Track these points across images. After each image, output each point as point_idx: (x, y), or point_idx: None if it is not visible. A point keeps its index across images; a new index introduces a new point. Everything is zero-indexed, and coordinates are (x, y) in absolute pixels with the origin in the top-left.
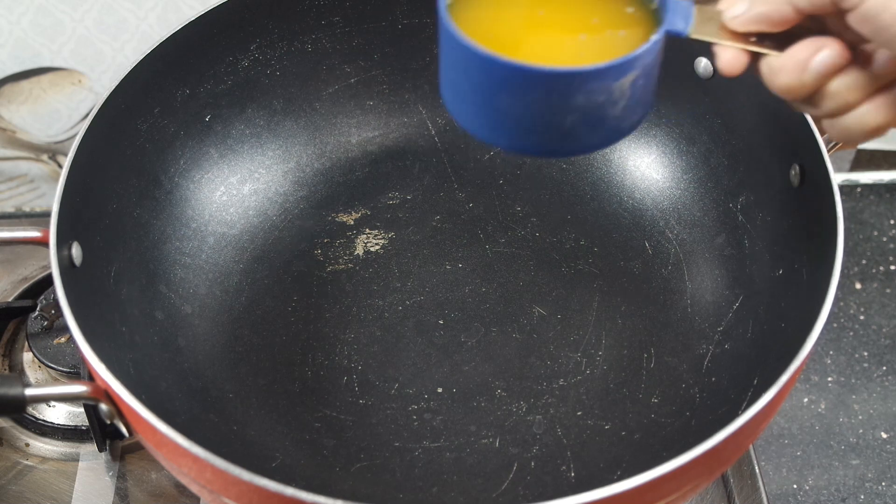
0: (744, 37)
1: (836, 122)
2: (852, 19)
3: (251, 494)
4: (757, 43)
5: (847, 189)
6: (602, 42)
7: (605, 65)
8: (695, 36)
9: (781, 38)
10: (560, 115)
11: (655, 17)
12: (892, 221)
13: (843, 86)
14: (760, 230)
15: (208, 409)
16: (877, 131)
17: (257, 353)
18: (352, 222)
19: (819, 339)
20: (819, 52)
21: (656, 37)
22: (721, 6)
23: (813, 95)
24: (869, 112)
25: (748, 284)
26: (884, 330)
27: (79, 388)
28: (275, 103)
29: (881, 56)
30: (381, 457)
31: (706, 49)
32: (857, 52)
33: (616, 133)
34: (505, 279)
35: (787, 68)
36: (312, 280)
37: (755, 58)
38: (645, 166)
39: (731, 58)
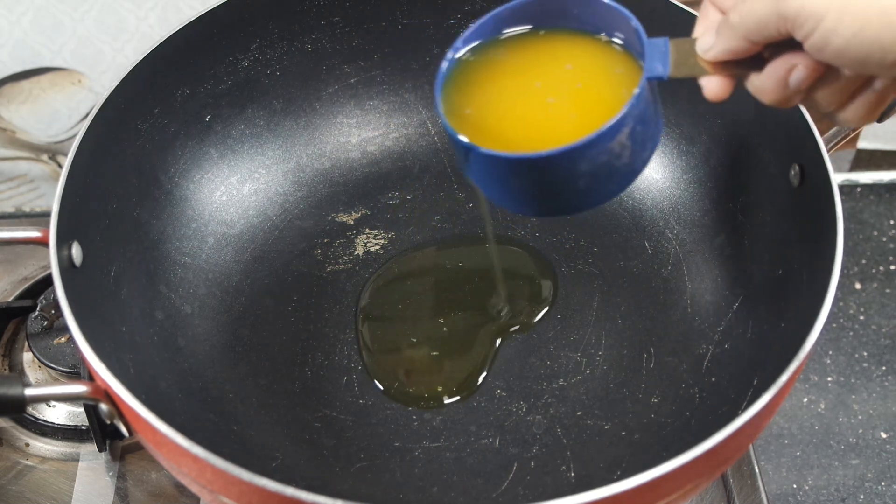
0: (720, 66)
1: (831, 117)
2: (807, 48)
3: (251, 494)
4: (734, 68)
5: (847, 189)
6: (598, 98)
7: (595, 135)
8: (675, 76)
9: (755, 60)
10: (572, 184)
11: (639, 60)
12: (891, 221)
13: (825, 94)
14: (760, 230)
15: (208, 409)
16: (865, 122)
17: (257, 353)
18: (352, 222)
19: (819, 339)
20: (794, 71)
21: (639, 90)
22: (695, 36)
23: (805, 100)
24: (854, 111)
25: (748, 284)
26: (883, 330)
27: (79, 388)
28: (275, 103)
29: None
30: (381, 457)
31: None
32: (828, 64)
33: (631, 174)
34: (505, 279)
35: (769, 87)
36: (312, 280)
37: (740, 79)
38: None
39: (715, 87)
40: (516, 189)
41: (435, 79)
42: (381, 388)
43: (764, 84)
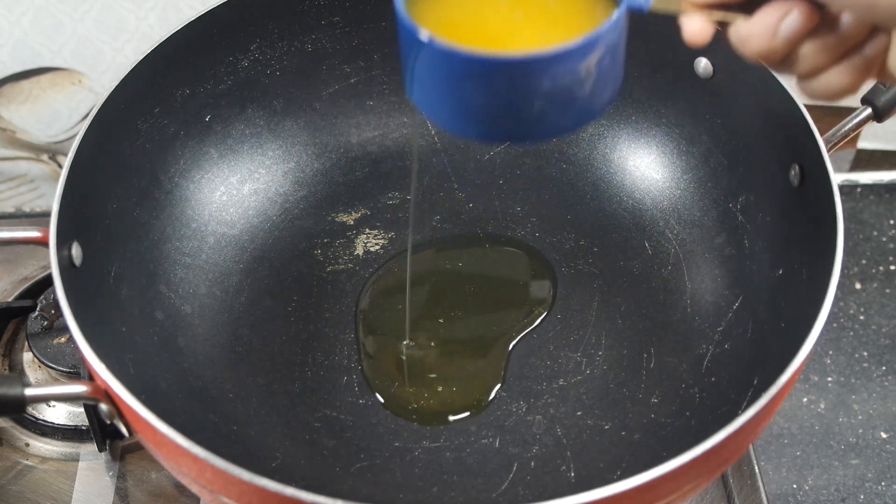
0: (706, 6)
1: (807, 84)
2: None
3: (251, 494)
4: (721, 11)
5: (847, 189)
6: (563, 22)
7: (568, 47)
8: (656, 9)
9: (746, 3)
10: (528, 101)
11: None
12: (891, 221)
13: (813, 49)
14: (760, 230)
15: (208, 409)
16: (843, 93)
17: (257, 353)
18: (352, 222)
19: (819, 339)
20: (787, 17)
21: (617, 14)
22: None
23: (785, 58)
24: (837, 75)
25: (748, 284)
26: (883, 330)
27: (79, 388)
28: (275, 103)
29: (845, 18)
30: (381, 457)
31: (706, 49)
32: (825, 14)
33: (587, 114)
34: (505, 279)
35: (756, 35)
36: (312, 280)
37: (723, 26)
38: (645, 166)
39: (696, 28)
40: (466, 101)
41: None
42: (392, 413)
43: (752, 31)
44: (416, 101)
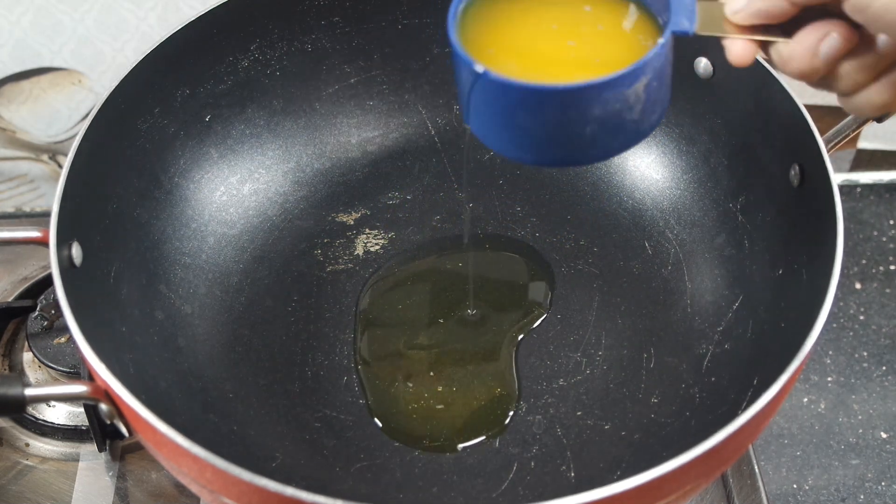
0: (748, 29)
1: (848, 100)
2: (846, 8)
3: (251, 494)
4: (762, 33)
5: (847, 189)
6: (611, 48)
7: (616, 75)
8: (701, 33)
9: (787, 25)
10: (581, 127)
11: (658, 17)
12: (891, 221)
13: (852, 68)
14: (760, 230)
15: (208, 409)
16: (884, 109)
17: (257, 353)
18: (352, 222)
19: (819, 339)
20: (826, 38)
21: (664, 40)
22: (722, 0)
23: (825, 77)
24: (877, 92)
25: (748, 284)
26: (883, 330)
27: (79, 388)
28: (275, 103)
29: (882, 38)
30: (381, 457)
31: (706, 49)
32: (863, 34)
33: (636, 135)
34: (505, 279)
35: (797, 56)
36: (312, 280)
37: (765, 45)
38: (645, 166)
39: (740, 50)
40: (521, 129)
41: (449, 8)
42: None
43: (793, 52)
44: (472, 128)
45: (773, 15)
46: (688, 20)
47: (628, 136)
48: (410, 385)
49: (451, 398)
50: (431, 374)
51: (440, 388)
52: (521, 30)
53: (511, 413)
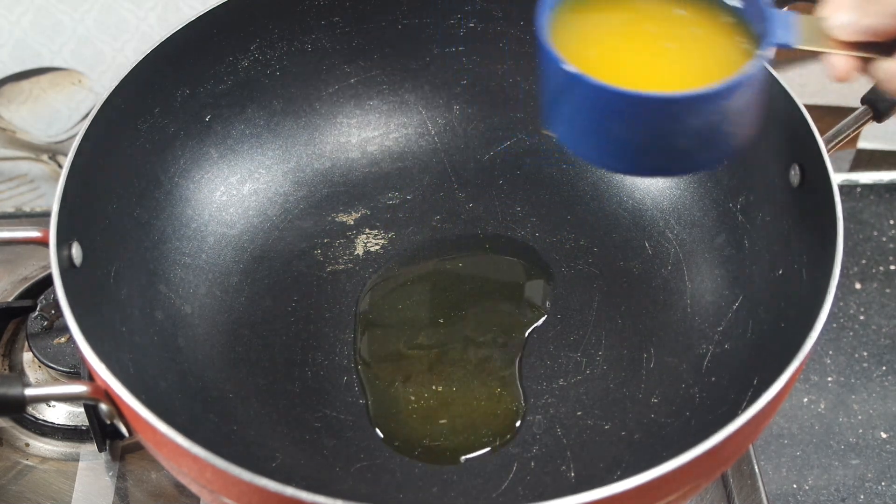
0: (852, 45)
1: None
2: None
3: (251, 494)
4: (865, 50)
5: (847, 189)
6: (706, 56)
7: (721, 86)
8: (802, 46)
9: (889, 44)
10: (677, 138)
11: (752, 25)
12: (891, 221)
13: None
14: (760, 230)
15: (208, 409)
16: None
17: (257, 353)
18: (352, 222)
19: (819, 339)
20: None
21: (767, 52)
22: (824, 14)
23: None
24: None
25: (748, 284)
26: (883, 330)
27: (79, 388)
28: (275, 103)
29: None
30: (381, 457)
31: None
32: None
33: (727, 149)
34: (505, 280)
35: None
36: (312, 280)
37: (863, 61)
38: None
39: (842, 66)
40: (615, 137)
41: (538, 8)
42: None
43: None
44: (557, 134)
45: (881, 33)
46: (788, 33)
47: (719, 150)
48: (410, 386)
49: (451, 398)
50: (431, 373)
51: (440, 388)
52: (612, 32)
53: (519, 423)
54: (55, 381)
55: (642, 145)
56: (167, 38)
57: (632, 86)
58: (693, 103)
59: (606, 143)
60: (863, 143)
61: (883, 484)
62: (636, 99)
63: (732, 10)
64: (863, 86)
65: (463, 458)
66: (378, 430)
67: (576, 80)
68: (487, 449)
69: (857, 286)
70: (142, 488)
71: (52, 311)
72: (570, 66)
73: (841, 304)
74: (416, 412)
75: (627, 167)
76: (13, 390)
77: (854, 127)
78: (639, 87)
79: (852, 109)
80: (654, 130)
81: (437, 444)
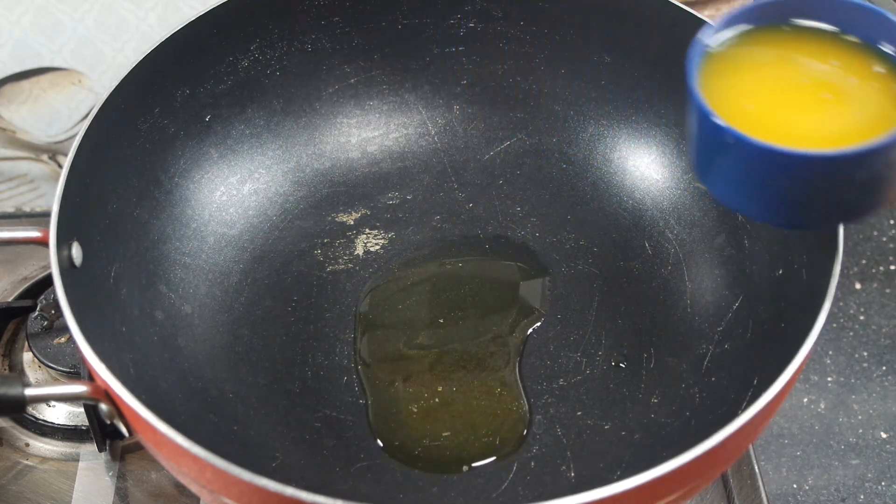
0: None
1: None
2: None
3: (251, 494)
4: None
5: None
6: (864, 107)
7: (888, 139)
8: None
9: None
10: (842, 191)
11: None
12: (892, 221)
13: None
14: (760, 230)
15: (208, 409)
16: None
17: (257, 353)
18: (352, 222)
19: (819, 339)
20: None
21: None
22: None
23: None
24: None
25: (748, 284)
26: (884, 330)
27: (79, 388)
28: (275, 103)
29: None
30: (381, 457)
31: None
32: None
33: (885, 198)
34: (505, 280)
35: None
36: (312, 280)
37: None
38: (645, 166)
39: None
40: (772, 193)
41: (687, 61)
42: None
43: None
44: (712, 190)
45: None
46: None
47: (879, 199)
48: (410, 386)
49: (451, 398)
50: (431, 373)
51: (440, 388)
52: (764, 82)
53: (529, 440)
54: (55, 381)
55: (806, 201)
56: (167, 38)
57: (791, 142)
58: (859, 159)
59: (768, 201)
60: None
61: (883, 484)
62: (801, 159)
63: (886, 58)
64: None
65: (465, 467)
66: (377, 431)
67: (735, 140)
68: (493, 458)
69: (857, 286)
70: (142, 488)
71: (52, 311)
72: (729, 126)
73: (841, 304)
74: (416, 412)
75: (788, 221)
76: (13, 390)
77: None
78: (798, 144)
79: None
80: (818, 187)
81: (437, 444)
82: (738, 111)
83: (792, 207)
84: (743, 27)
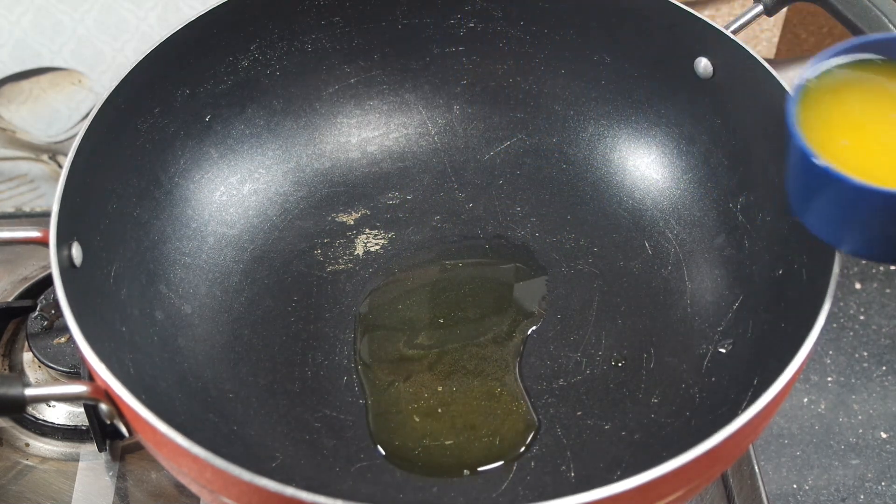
0: None
1: None
2: None
3: (251, 494)
4: None
5: None
6: None
7: None
8: None
9: None
10: None
11: None
12: None
13: None
14: (760, 230)
15: (208, 409)
16: None
17: (257, 353)
18: (352, 222)
19: (819, 339)
20: None
21: None
22: None
23: None
24: None
25: (748, 284)
26: (884, 330)
27: (79, 388)
28: (275, 103)
29: None
30: (381, 457)
31: (706, 49)
32: None
33: None
34: (505, 279)
35: None
36: (312, 280)
37: None
38: (645, 166)
39: None
40: (878, 229)
41: (786, 102)
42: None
43: None
44: (809, 225)
45: None
46: None
47: None
48: (410, 386)
49: (451, 398)
50: (431, 373)
51: (440, 388)
52: (861, 118)
53: (529, 440)
54: (55, 381)
55: None
56: (167, 38)
57: (889, 179)
58: None
59: (868, 237)
60: None
61: (883, 484)
62: None
63: None
64: None
65: (466, 471)
66: (377, 431)
67: (836, 180)
68: (500, 462)
69: (857, 286)
70: (142, 488)
71: (52, 311)
72: (830, 167)
73: (841, 304)
74: (416, 413)
75: (888, 256)
76: (13, 390)
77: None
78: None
79: None
80: None
81: (437, 445)
82: (835, 146)
83: (891, 242)
84: (838, 60)
